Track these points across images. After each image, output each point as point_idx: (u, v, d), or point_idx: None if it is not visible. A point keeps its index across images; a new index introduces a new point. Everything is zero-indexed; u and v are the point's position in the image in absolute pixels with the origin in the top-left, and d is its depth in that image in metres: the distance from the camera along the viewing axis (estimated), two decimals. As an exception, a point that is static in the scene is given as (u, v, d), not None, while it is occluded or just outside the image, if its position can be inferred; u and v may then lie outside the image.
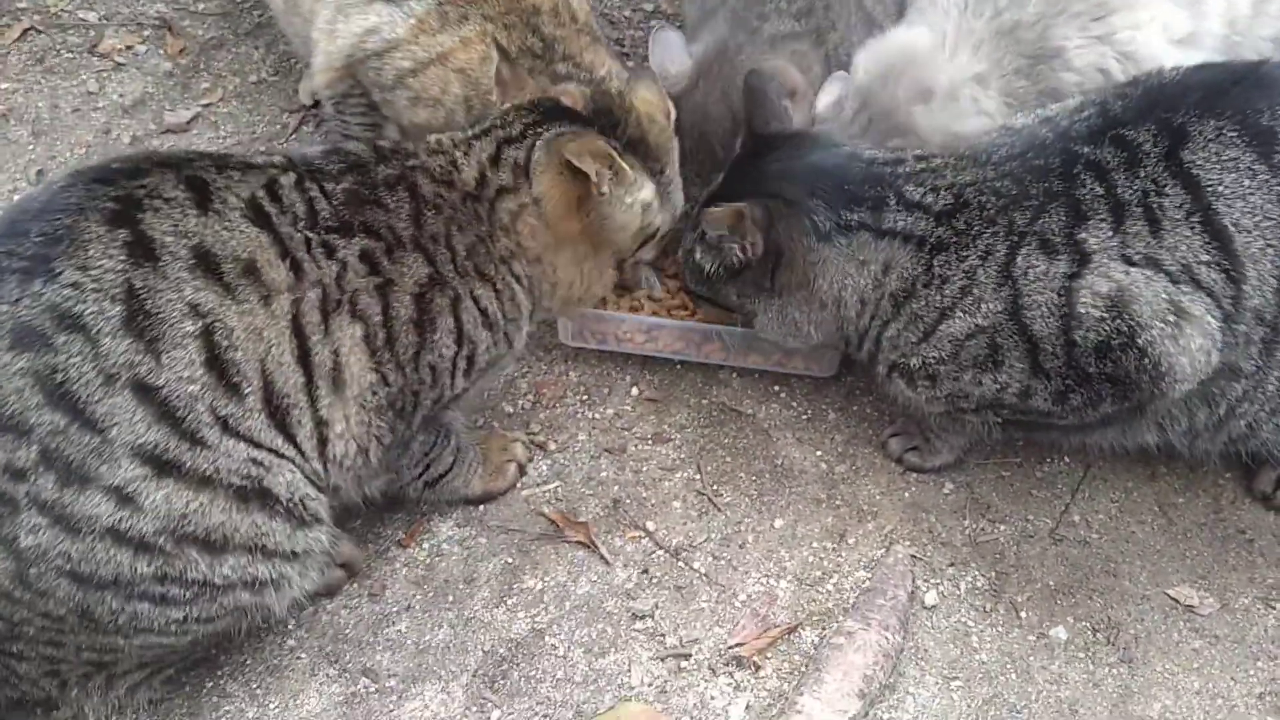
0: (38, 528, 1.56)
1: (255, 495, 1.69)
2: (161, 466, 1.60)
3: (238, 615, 1.79)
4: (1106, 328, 1.84)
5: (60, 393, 1.54)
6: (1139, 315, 1.83)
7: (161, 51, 3.09)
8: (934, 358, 1.98)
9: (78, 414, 1.55)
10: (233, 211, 1.69)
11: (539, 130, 1.93)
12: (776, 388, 2.43)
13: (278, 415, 1.71)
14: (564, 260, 2.00)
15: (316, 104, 2.91)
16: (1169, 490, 2.26)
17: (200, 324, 1.62)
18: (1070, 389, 1.93)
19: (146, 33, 3.14)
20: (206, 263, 1.64)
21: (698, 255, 2.10)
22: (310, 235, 1.74)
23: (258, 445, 1.69)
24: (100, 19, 3.17)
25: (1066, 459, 2.31)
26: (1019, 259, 1.88)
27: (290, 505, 1.74)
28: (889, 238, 1.95)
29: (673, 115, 2.13)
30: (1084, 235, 1.86)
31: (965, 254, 1.92)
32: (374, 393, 1.81)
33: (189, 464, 1.62)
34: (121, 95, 2.99)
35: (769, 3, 2.40)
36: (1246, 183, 1.82)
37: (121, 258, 1.58)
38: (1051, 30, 2.20)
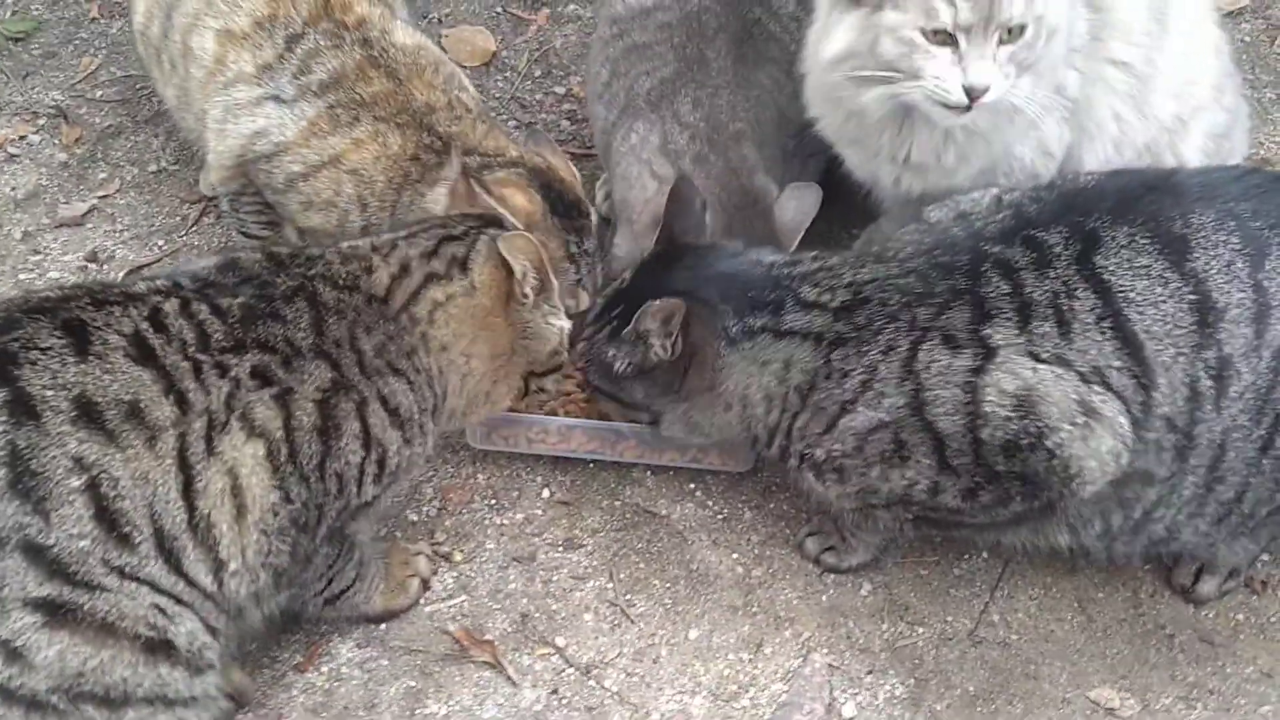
0: None
1: (160, 646, 1.65)
2: (55, 617, 1.56)
3: None
4: (1014, 427, 1.81)
5: None
6: (1047, 416, 1.80)
7: (57, 141, 2.98)
8: (838, 450, 1.95)
9: None
10: (114, 352, 1.66)
11: (483, 231, 1.99)
12: (691, 485, 2.37)
13: (172, 558, 1.66)
14: (480, 351, 1.99)
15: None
16: (1089, 585, 2.22)
17: (86, 478, 1.58)
18: (979, 486, 1.90)
19: (41, 121, 3.03)
20: (89, 413, 1.60)
21: (609, 353, 2.05)
22: (201, 358, 1.70)
23: (159, 591, 1.65)
24: (-8, 107, 3.06)
25: (985, 555, 2.26)
26: (921, 353, 1.86)
27: (190, 655, 1.70)
28: (788, 337, 1.95)
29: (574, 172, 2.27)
30: (989, 331, 1.84)
31: (866, 349, 1.90)
32: (275, 514, 1.74)
33: (86, 613, 1.58)
34: (14, 188, 2.88)
35: None
36: (1158, 290, 1.80)
37: (2, 418, 1.56)
38: None
